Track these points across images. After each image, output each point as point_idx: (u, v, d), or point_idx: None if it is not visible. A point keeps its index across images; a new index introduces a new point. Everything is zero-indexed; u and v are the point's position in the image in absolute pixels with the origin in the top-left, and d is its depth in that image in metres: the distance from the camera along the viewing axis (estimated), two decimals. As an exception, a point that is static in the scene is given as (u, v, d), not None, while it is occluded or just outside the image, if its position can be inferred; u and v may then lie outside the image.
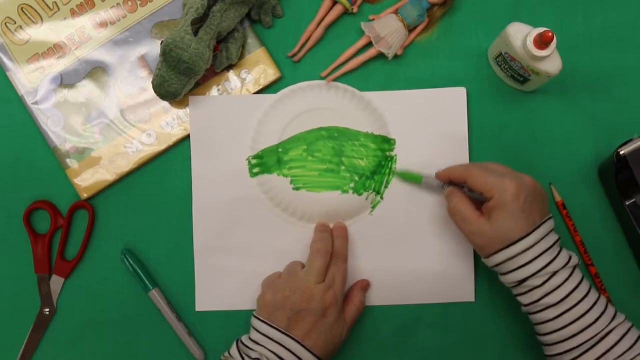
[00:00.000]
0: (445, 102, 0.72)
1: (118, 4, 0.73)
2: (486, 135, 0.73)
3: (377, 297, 0.71)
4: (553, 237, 0.60)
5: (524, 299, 0.60)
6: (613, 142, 0.68)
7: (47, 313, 0.72)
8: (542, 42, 0.62)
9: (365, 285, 0.71)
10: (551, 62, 0.65)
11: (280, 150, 0.72)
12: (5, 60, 0.72)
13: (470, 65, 0.73)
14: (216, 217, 0.72)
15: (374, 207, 0.72)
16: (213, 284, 0.71)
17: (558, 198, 0.72)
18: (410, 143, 0.72)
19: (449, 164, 0.71)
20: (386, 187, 0.72)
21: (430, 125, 0.72)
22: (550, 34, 0.61)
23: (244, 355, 0.62)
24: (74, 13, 0.73)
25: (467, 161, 0.72)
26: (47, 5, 0.73)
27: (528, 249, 0.59)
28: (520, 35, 0.65)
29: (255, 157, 0.72)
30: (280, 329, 0.62)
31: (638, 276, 0.72)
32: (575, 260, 0.60)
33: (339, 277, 0.66)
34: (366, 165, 0.71)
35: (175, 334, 0.71)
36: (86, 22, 0.73)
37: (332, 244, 0.68)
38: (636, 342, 0.58)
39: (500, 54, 0.69)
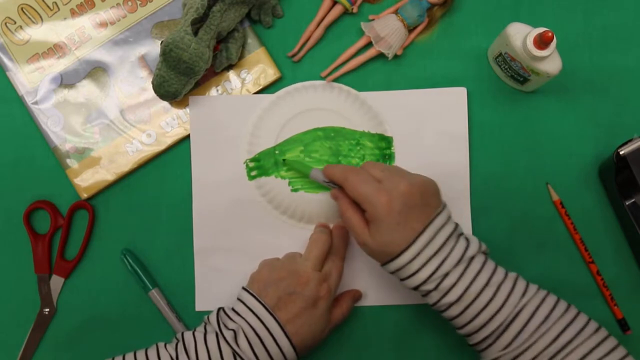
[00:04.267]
0: (445, 102, 0.72)
1: (118, 4, 0.73)
2: (486, 135, 0.73)
3: (377, 297, 0.71)
4: (443, 235, 0.58)
5: (426, 300, 0.59)
6: (613, 142, 0.68)
7: (47, 313, 0.72)
8: (542, 42, 0.62)
9: (357, 295, 0.71)
10: (551, 62, 0.65)
11: (276, 152, 0.72)
12: (5, 60, 0.73)
13: (470, 65, 0.73)
14: (216, 218, 0.72)
15: None
16: (213, 284, 0.71)
17: (555, 197, 0.72)
18: (410, 143, 0.72)
19: (449, 164, 0.71)
20: None
21: (431, 125, 0.72)
22: (550, 34, 0.61)
23: (220, 323, 0.62)
24: (73, 13, 0.73)
25: (467, 161, 0.72)
26: (47, 5, 0.73)
27: (412, 260, 0.57)
28: (520, 35, 0.65)
29: (252, 159, 0.72)
30: (266, 306, 0.61)
31: (638, 276, 0.72)
32: (473, 248, 0.58)
33: (335, 272, 0.66)
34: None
35: (175, 334, 0.71)
36: (86, 22, 0.73)
37: (331, 240, 0.68)
38: (552, 310, 0.57)
39: (500, 54, 0.69)
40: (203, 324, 0.63)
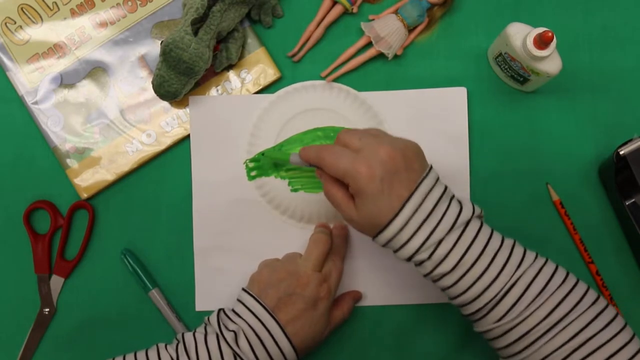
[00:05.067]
0: (445, 102, 0.72)
1: (118, 4, 0.73)
2: (486, 135, 0.73)
3: (377, 297, 0.71)
4: (432, 199, 0.54)
5: (420, 270, 0.56)
6: (613, 142, 0.68)
7: (47, 313, 0.72)
8: (542, 42, 0.62)
9: (357, 296, 0.71)
10: (551, 62, 0.65)
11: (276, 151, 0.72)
12: (5, 60, 0.73)
13: (470, 65, 0.73)
14: (216, 218, 0.72)
15: None
16: (213, 284, 0.71)
17: (555, 197, 0.72)
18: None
19: (449, 164, 0.71)
20: None
21: (431, 125, 0.72)
22: (550, 34, 0.61)
23: (221, 324, 0.61)
24: (73, 13, 0.73)
25: (467, 161, 0.72)
26: (47, 5, 0.73)
27: (402, 228, 0.54)
28: (520, 35, 0.65)
29: (252, 160, 0.72)
30: (266, 307, 0.61)
31: (638, 276, 0.72)
32: (467, 212, 0.55)
33: (335, 273, 0.66)
34: None
35: (175, 334, 0.71)
36: (86, 22, 0.73)
37: (332, 241, 0.68)
38: (548, 281, 0.54)
39: (500, 54, 0.69)
40: (203, 325, 0.63)
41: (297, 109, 0.72)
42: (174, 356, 0.59)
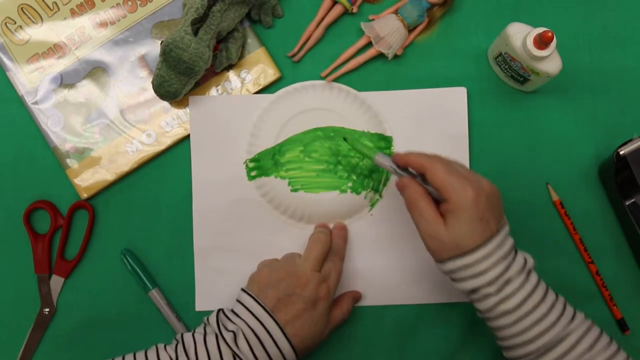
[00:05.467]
0: (445, 102, 0.72)
1: (118, 4, 0.73)
2: (486, 135, 0.73)
3: (377, 297, 0.71)
4: (509, 243, 0.58)
5: (479, 305, 0.58)
6: (613, 142, 0.68)
7: (47, 313, 0.72)
8: (542, 42, 0.62)
9: (357, 296, 0.71)
10: (551, 62, 0.65)
11: (276, 152, 0.72)
12: (5, 60, 0.72)
13: (470, 65, 0.73)
14: (216, 218, 0.72)
15: (372, 206, 0.72)
16: (213, 284, 0.71)
17: (555, 197, 0.72)
18: (410, 143, 0.72)
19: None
20: (385, 185, 0.72)
21: (431, 125, 0.72)
22: (550, 34, 0.61)
23: (220, 325, 0.61)
24: (73, 13, 0.73)
25: (467, 161, 0.72)
26: (47, 5, 0.73)
27: (483, 258, 0.56)
28: (520, 35, 0.65)
29: (252, 160, 0.72)
30: (266, 307, 0.61)
31: (638, 276, 0.72)
32: (530, 262, 0.59)
33: (334, 273, 0.66)
34: (364, 163, 0.71)
35: (175, 334, 0.71)
36: (86, 22, 0.73)
37: (331, 241, 0.68)
38: (596, 341, 0.57)
39: (500, 54, 0.69)
40: (202, 325, 0.63)
41: (297, 109, 0.72)
42: (173, 357, 0.59)
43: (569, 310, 0.58)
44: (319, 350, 0.71)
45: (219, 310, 0.64)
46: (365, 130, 0.72)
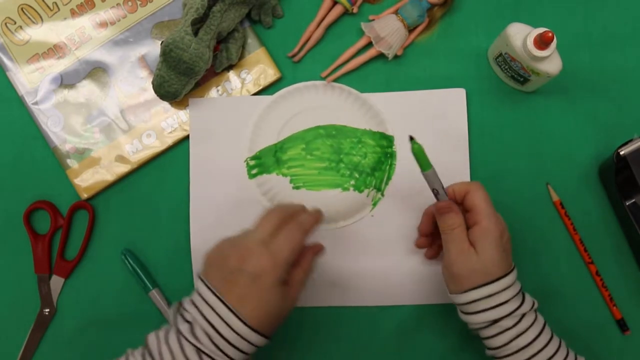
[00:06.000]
0: (445, 103, 0.72)
1: (118, 4, 0.73)
2: (486, 135, 0.73)
3: (377, 297, 0.71)
4: (519, 281, 0.61)
5: (493, 342, 0.59)
6: (613, 142, 0.68)
7: (47, 313, 0.72)
8: (542, 42, 0.62)
9: (318, 249, 0.63)
10: (551, 62, 0.65)
11: (278, 149, 0.72)
12: (5, 60, 0.73)
13: (470, 65, 0.73)
14: (215, 218, 0.71)
15: (374, 204, 0.72)
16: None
17: (555, 197, 0.72)
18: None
19: (449, 164, 0.71)
20: (387, 183, 0.72)
21: (431, 125, 0.72)
22: (550, 34, 0.61)
23: (178, 317, 0.57)
24: (74, 13, 0.73)
25: (467, 161, 0.71)
26: (47, 5, 0.73)
27: (506, 288, 0.58)
28: (520, 36, 0.65)
29: (253, 157, 0.72)
30: (214, 291, 0.55)
31: (638, 276, 0.72)
32: (537, 304, 0.60)
33: (285, 242, 0.57)
34: (366, 162, 0.72)
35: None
36: (86, 22, 0.73)
37: (289, 212, 0.61)
38: None
39: (500, 54, 0.69)
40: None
41: (298, 108, 0.72)
42: None
43: (572, 355, 0.60)
44: (319, 350, 0.71)
45: (179, 302, 0.59)
46: (367, 129, 0.72)
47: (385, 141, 0.72)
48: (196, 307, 0.56)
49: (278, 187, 0.72)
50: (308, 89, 0.72)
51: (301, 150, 0.72)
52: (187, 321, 0.56)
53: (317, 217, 0.62)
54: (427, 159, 0.60)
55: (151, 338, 0.57)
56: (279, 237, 0.58)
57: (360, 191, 0.72)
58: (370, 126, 0.72)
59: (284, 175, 0.72)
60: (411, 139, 0.58)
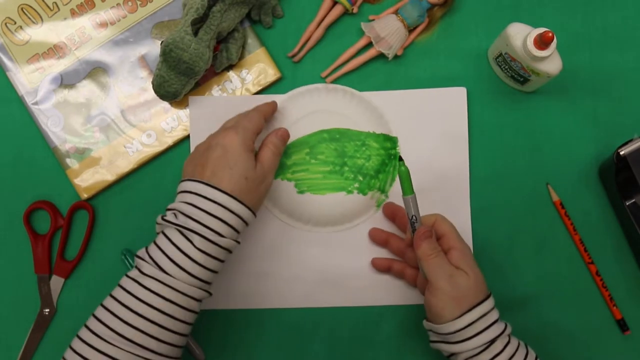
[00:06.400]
0: (445, 102, 0.72)
1: (118, 4, 0.73)
2: (486, 135, 0.73)
3: (377, 297, 0.71)
4: (496, 309, 0.61)
5: None
6: (613, 142, 0.68)
7: (47, 313, 0.72)
8: (542, 42, 0.62)
9: (282, 134, 0.68)
10: (551, 62, 0.65)
11: (282, 154, 0.71)
12: (5, 60, 0.73)
13: (470, 65, 0.73)
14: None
15: (378, 206, 0.72)
16: (213, 284, 0.71)
17: (555, 198, 0.72)
18: (410, 143, 0.72)
19: (449, 164, 0.71)
20: (391, 185, 0.72)
21: (431, 124, 0.72)
22: (550, 34, 0.61)
23: (162, 217, 0.60)
24: (74, 13, 0.73)
25: (467, 161, 0.71)
26: (47, 5, 0.73)
27: (494, 307, 0.60)
28: (520, 36, 0.65)
29: None
30: (192, 177, 0.61)
31: (638, 276, 0.72)
32: (509, 328, 0.60)
33: (246, 120, 0.64)
34: (370, 164, 0.71)
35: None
36: (86, 22, 0.73)
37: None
38: None
39: (500, 54, 0.69)
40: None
41: (302, 112, 0.72)
42: (134, 274, 0.58)
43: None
44: (319, 350, 0.71)
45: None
46: (371, 131, 0.72)
47: (389, 143, 0.72)
48: (178, 201, 0.60)
49: (282, 191, 0.72)
50: (310, 92, 0.72)
51: (305, 155, 0.72)
52: (170, 209, 0.60)
53: (272, 105, 0.70)
54: (410, 183, 0.61)
55: (141, 252, 0.59)
56: (238, 119, 0.65)
57: (365, 194, 0.72)
58: (374, 127, 0.72)
59: (289, 180, 0.72)
60: (400, 159, 0.61)
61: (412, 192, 0.60)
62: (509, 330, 0.59)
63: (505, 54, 0.68)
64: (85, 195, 0.72)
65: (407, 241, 0.66)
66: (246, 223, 0.61)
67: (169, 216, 0.59)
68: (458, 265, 0.59)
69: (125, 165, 0.72)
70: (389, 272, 0.70)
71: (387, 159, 0.72)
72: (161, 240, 0.59)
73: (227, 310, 0.71)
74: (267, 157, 0.65)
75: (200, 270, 0.58)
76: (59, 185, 0.72)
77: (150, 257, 0.58)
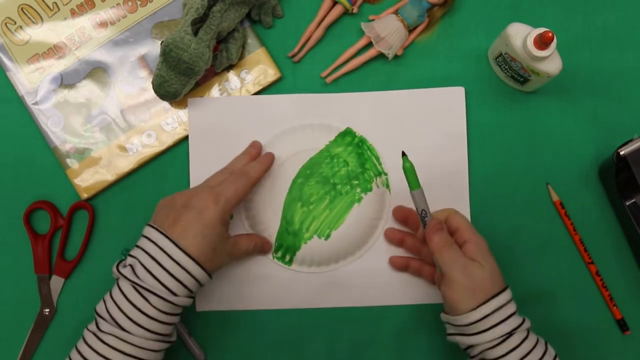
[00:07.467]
0: (444, 102, 0.72)
1: (118, 4, 0.73)
2: (486, 135, 0.73)
3: (377, 297, 0.71)
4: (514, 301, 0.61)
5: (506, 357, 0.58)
6: (613, 142, 0.68)
7: (47, 313, 0.72)
8: (542, 42, 0.62)
9: (265, 244, 0.70)
10: (551, 62, 0.65)
11: (286, 227, 0.71)
12: (5, 60, 0.73)
13: (470, 65, 0.73)
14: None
15: (387, 186, 0.71)
16: (213, 284, 0.71)
17: (555, 198, 0.72)
18: (409, 142, 0.72)
19: (448, 164, 0.71)
20: (379, 162, 0.71)
21: (429, 124, 0.72)
22: (550, 34, 0.61)
23: (120, 264, 0.60)
24: (74, 13, 0.73)
25: (466, 160, 0.72)
26: (47, 5, 0.73)
27: (511, 300, 0.59)
28: (520, 36, 0.65)
29: (276, 249, 0.71)
30: (159, 228, 0.60)
31: (638, 276, 0.72)
32: (528, 322, 0.60)
33: (230, 185, 0.63)
34: (351, 166, 0.71)
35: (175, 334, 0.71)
36: (86, 22, 0.73)
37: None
38: None
39: (500, 54, 0.69)
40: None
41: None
42: (94, 329, 0.59)
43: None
44: (320, 350, 0.71)
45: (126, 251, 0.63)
46: (327, 143, 0.72)
47: (348, 136, 0.72)
48: (140, 248, 0.60)
49: (314, 248, 0.71)
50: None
51: (301, 208, 0.71)
52: (127, 265, 0.60)
53: (264, 163, 0.69)
54: (416, 177, 0.60)
55: (100, 304, 0.60)
56: (225, 182, 0.64)
57: (370, 190, 0.71)
58: (326, 136, 0.72)
59: (310, 238, 0.71)
60: (403, 154, 0.60)
61: (419, 186, 0.60)
62: (527, 324, 0.59)
63: (505, 54, 0.68)
64: (85, 195, 0.72)
65: (419, 237, 0.66)
66: (201, 285, 0.61)
67: (127, 269, 0.59)
68: (473, 258, 0.59)
69: (125, 165, 0.72)
70: (407, 270, 0.70)
71: (358, 149, 0.71)
72: (117, 295, 0.59)
73: (227, 311, 0.71)
74: (244, 247, 0.67)
75: (157, 326, 0.59)
76: (59, 185, 0.72)
77: (109, 314, 0.58)
